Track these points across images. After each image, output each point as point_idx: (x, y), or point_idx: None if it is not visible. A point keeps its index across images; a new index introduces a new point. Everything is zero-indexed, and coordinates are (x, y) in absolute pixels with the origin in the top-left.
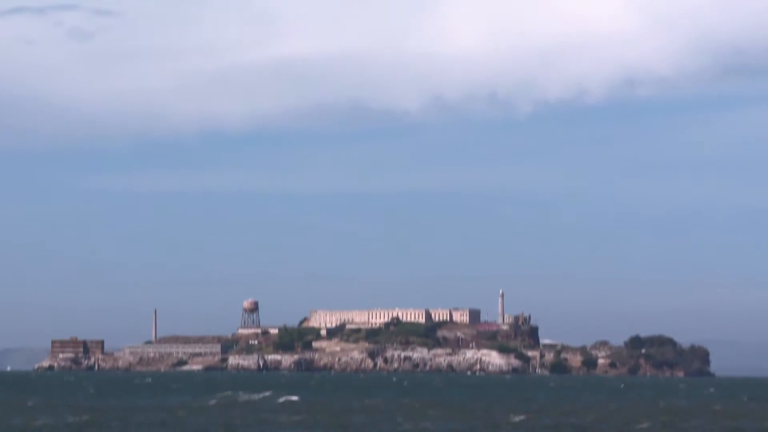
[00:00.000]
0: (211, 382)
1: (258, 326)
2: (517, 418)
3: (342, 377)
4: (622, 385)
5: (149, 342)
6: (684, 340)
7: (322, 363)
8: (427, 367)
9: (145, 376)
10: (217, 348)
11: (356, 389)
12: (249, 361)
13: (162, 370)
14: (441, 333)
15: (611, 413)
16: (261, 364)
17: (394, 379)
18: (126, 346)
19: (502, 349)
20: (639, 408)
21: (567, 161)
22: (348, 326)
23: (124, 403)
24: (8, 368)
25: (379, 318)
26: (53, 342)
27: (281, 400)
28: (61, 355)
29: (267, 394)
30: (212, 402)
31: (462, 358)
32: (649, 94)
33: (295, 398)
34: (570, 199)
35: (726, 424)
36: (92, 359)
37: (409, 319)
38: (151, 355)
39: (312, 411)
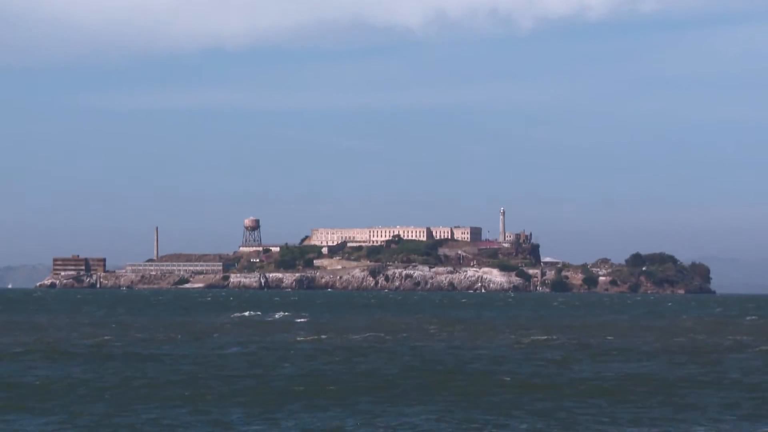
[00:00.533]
0: (222, 301)
1: (259, 244)
2: (531, 338)
3: (346, 295)
4: (673, 302)
5: (151, 260)
6: (685, 257)
7: (323, 281)
8: (428, 286)
9: (157, 295)
10: (219, 266)
11: (368, 308)
12: (250, 279)
13: (164, 287)
14: (442, 251)
15: (625, 330)
16: (262, 282)
17: (399, 297)
18: (128, 264)
19: (503, 267)
20: (650, 325)
21: (568, 78)
22: (349, 244)
23: (147, 320)
24: (9, 285)
25: (380, 236)
26: (55, 260)
27: (300, 320)
28: (62, 273)
29: (283, 314)
30: (233, 321)
31: (463, 276)
32: (652, 10)
33: (304, 319)
34: (571, 117)
35: (739, 339)
36: (94, 277)
37: (410, 236)
38: (153, 273)
39: (319, 330)
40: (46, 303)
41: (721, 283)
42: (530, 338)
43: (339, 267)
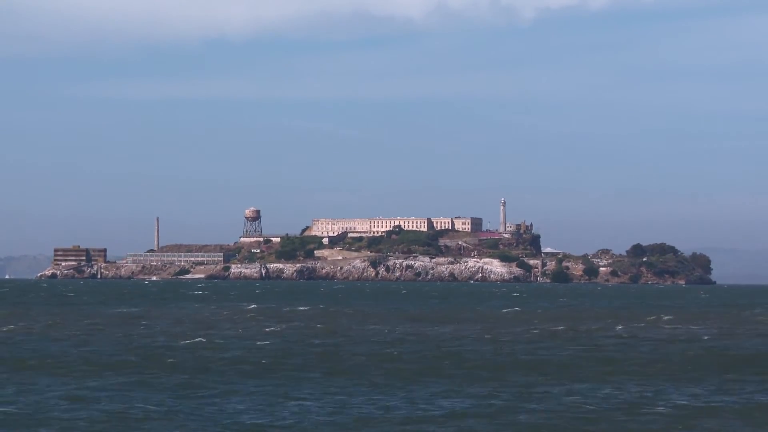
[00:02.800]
0: (247, 292)
1: (260, 235)
2: (595, 326)
3: (353, 287)
4: (704, 293)
5: (151, 250)
6: (685, 248)
7: (324, 271)
8: (429, 276)
9: (188, 287)
10: (220, 256)
11: (394, 298)
12: (251, 270)
13: (165, 278)
14: (443, 241)
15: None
16: (263, 273)
17: (426, 288)
18: (128, 254)
19: (504, 258)
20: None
21: (570, 68)
22: (350, 235)
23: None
24: (7, 276)
25: (381, 226)
26: (56, 250)
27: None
28: (63, 264)
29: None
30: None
31: (464, 267)
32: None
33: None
34: (572, 107)
35: None
36: (95, 267)
37: (411, 227)
38: (154, 263)
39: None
40: (116, 296)
41: (721, 273)
42: (597, 326)
43: (340, 257)
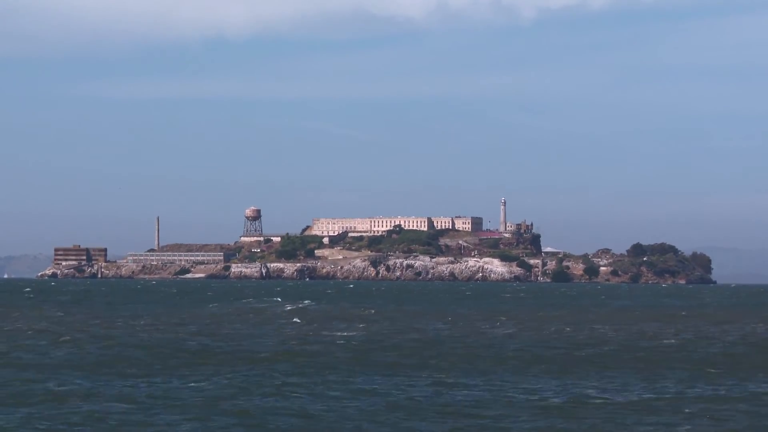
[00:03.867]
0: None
1: (260, 234)
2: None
3: (359, 286)
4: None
5: (152, 250)
6: (686, 247)
7: (324, 271)
8: (429, 276)
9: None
10: (220, 256)
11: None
12: (251, 269)
13: (165, 278)
14: (443, 241)
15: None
16: (263, 272)
17: (411, 289)
18: (129, 253)
19: (504, 257)
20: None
21: (570, 68)
22: (350, 234)
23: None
24: (6, 275)
25: (381, 226)
26: (56, 250)
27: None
28: (64, 263)
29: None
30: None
31: (464, 266)
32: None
33: (372, 311)
34: (572, 107)
35: None
36: (95, 267)
37: (411, 226)
38: (154, 263)
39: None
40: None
41: (721, 273)
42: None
43: (340, 257)
